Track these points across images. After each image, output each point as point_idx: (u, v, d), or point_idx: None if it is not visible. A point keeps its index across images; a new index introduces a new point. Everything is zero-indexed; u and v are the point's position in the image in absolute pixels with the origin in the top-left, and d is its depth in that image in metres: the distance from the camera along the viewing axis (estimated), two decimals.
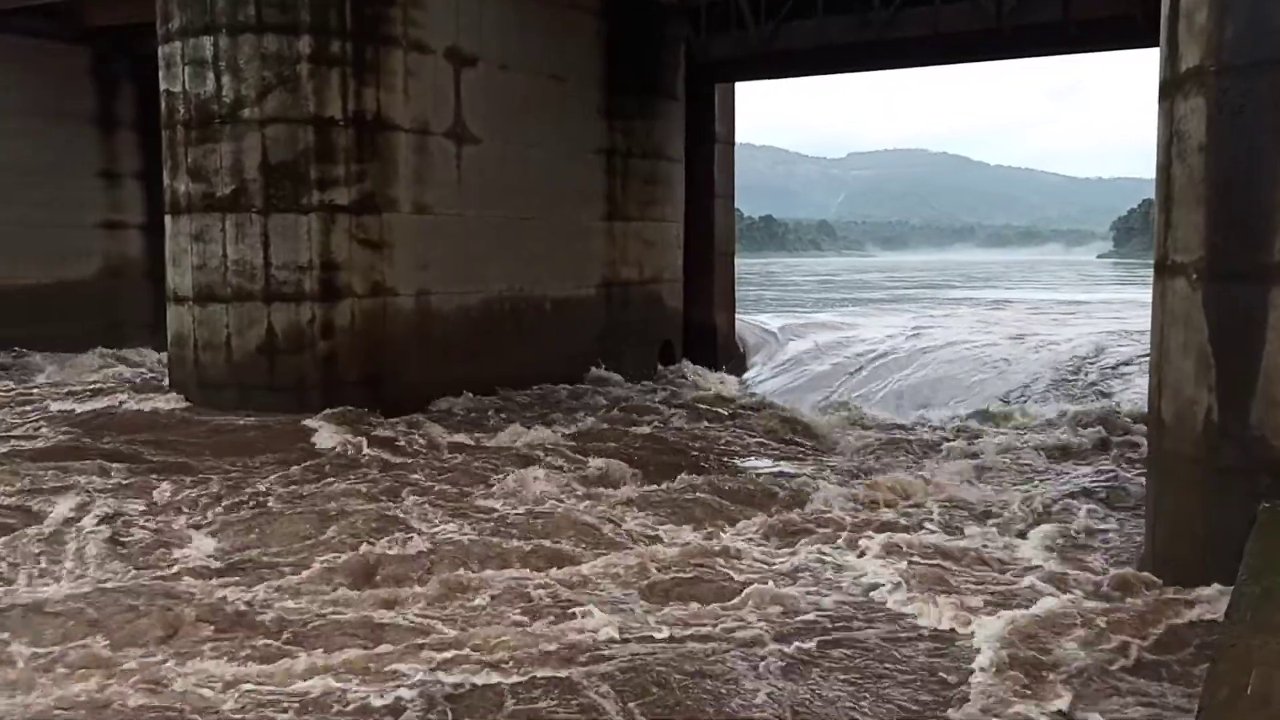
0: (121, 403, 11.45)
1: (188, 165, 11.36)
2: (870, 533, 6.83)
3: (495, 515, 7.24)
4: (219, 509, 7.41)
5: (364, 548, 6.34)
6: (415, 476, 8.44)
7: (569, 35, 13.70)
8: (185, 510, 7.37)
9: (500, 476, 8.35)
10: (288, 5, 10.97)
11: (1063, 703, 4.27)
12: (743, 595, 5.56)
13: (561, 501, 7.66)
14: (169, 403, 11.30)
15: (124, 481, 8.11)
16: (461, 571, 5.99)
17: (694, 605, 5.45)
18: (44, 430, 10.19)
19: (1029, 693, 4.36)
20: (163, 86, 11.56)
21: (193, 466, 8.70)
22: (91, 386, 12.95)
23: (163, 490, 7.81)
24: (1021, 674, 4.51)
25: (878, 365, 15.32)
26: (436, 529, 6.89)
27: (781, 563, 6.27)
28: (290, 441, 9.61)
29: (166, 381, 12.25)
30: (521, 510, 7.36)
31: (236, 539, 6.72)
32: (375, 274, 11.49)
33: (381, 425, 10.31)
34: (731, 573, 6.03)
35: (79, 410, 11.10)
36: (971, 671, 4.62)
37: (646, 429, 10.74)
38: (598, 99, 14.19)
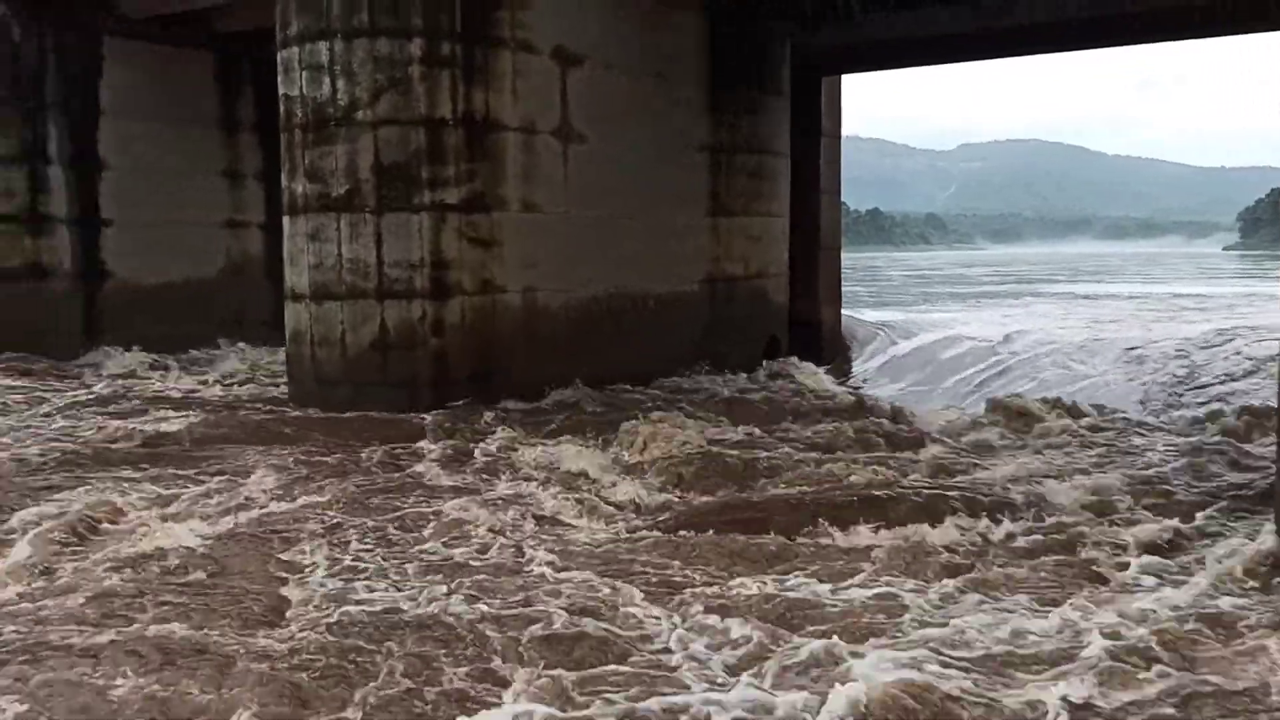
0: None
1: (305, 167, 11.71)
2: None
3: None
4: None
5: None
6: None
7: (672, 33, 13.74)
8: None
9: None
10: (400, 9, 11.23)
11: None
12: None
13: None
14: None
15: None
16: None
17: None
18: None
19: None
20: (281, 90, 11.93)
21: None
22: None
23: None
24: None
25: (1013, 362, 14.91)
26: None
27: None
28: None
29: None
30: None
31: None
32: (484, 271, 11.70)
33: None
34: None
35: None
36: None
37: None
38: (701, 96, 14.19)
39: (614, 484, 7.90)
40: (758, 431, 9.84)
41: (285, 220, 12.17)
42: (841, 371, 15.78)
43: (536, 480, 8.05)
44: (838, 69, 16.69)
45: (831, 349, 17.00)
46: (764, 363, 14.85)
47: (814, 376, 14.31)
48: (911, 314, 25.29)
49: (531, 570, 5.83)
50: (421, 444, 9.51)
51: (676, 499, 7.53)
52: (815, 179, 16.60)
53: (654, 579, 5.65)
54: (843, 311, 18.36)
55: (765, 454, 8.65)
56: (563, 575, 5.70)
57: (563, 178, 12.38)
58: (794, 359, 15.21)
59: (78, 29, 16.99)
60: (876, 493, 7.13)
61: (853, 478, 7.79)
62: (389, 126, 11.34)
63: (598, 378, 12.44)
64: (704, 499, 7.47)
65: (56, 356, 15.91)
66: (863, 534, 6.46)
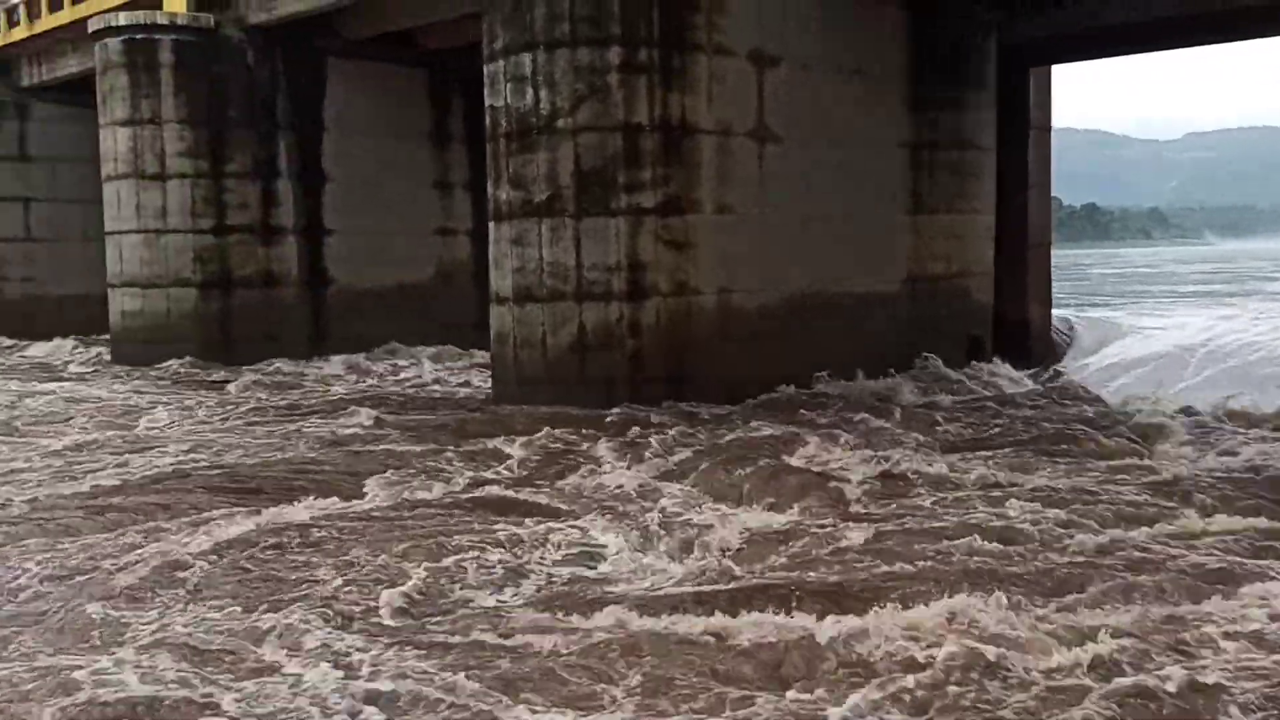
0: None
1: (509, 174, 12.16)
2: None
3: None
4: None
5: None
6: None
7: (871, 29, 13.51)
8: None
9: None
10: (599, 20, 11.52)
11: None
12: None
13: None
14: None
15: None
16: None
17: None
18: None
19: None
20: (487, 102, 12.44)
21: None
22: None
23: None
24: None
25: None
26: None
27: None
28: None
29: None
30: None
31: None
32: (680, 273, 11.83)
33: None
34: None
35: None
36: None
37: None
38: (901, 91, 13.89)
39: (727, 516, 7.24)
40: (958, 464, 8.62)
41: (491, 226, 12.67)
42: (1050, 374, 15.07)
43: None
44: (1047, 59, 15.99)
45: (1041, 350, 16.28)
46: (969, 363, 14.37)
47: (1017, 380, 13.71)
48: (1127, 313, 23.97)
49: None
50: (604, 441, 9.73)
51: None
52: (1023, 174, 15.94)
53: None
54: (1054, 311, 17.58)
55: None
56: None
57: (758, 179, 12.38)
58: (997, 360, 14.67)
59: (305, 53, 18.22)
60: None
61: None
62: (588, 133, 11.63)
63: (793, 378, 12.36)
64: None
65: (290, 356, 17.12)
66: None
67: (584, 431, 10.08)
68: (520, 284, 12.12)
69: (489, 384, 13.14)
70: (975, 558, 5.96)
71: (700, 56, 11.79)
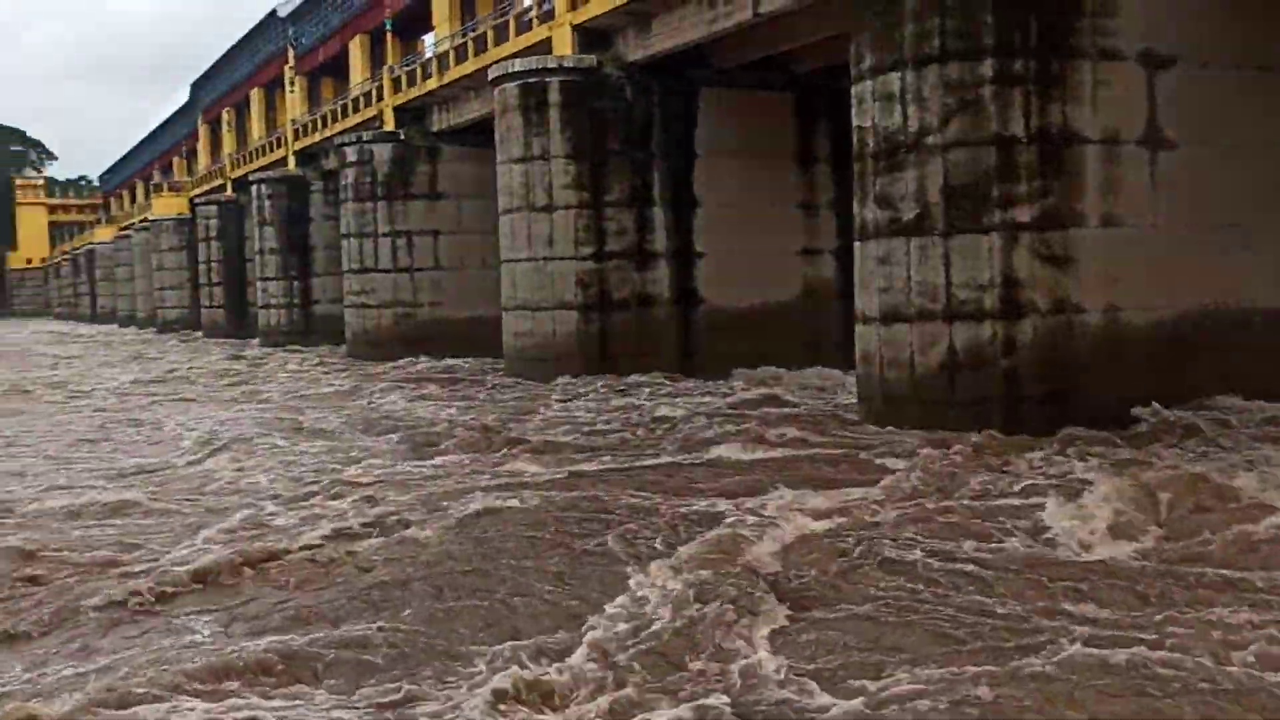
0: None
1: (875, 193, 12.11)
2: None
3: None
4: None
5: None
6: None
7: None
8: None
9: None
10: (970, 33, 11.22)
11: None
12: None
13: None
14: None
15: None
16: None
17: None
18: None
19: None
20: (854, 122, 12.46)
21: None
22: None
23: None
24: None
25: None
26: None
27: None
28: None
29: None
30: None
31: None
32: (1058, 290, 11.24)
33: None
34: None
35: None
36: None
37: None
38: None
39: None
40: None
41: (856, 246, 12.65)
42: None
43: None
44: None
45: None
46: None
47: None
48: None
49: None
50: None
51: None
52: None
53: None
54: None
55: None
56: None
57: (1149, 188, 11.50)
58: None
59: (678, 84, 19.11)
60: None
61: None
62: (958, 149, 11.35)
63: (1188, 400, 11.31)
64: None
65: (661, 373, 17.89)
66: None
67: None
68: (887, 303, 12.01)
69: (854, 403, 13.11)
70: None
71: (1083, 62, 11.17)
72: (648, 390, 16.60)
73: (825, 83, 18.93)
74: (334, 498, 9.13)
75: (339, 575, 6.85)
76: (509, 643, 5.37)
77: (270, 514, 8.56)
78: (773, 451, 10.94)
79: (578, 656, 5.14)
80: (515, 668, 4.96)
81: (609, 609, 5.84)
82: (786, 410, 13.95)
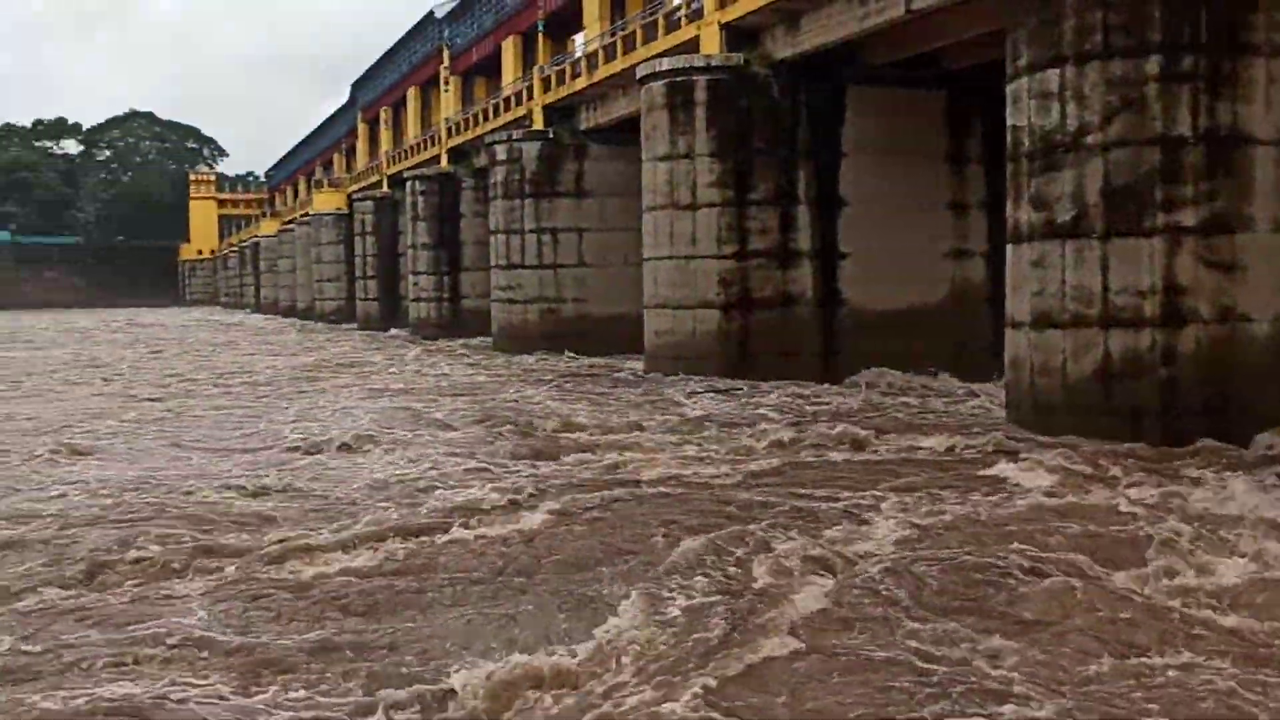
0: None
1: (1029, 194, 11.76)
2: None
3: None
4: None
5: None
6: None
7: None
8: None
9: None
10: (1136, 28, 10.80)
11: None
12: None
13: None
14: None
15: None
16: None
17: None
18: None
19: None
20: (1009, 121, 12.13)
21: None
22: None
23: None
24: None
25: None
26: None
27: None
28: None
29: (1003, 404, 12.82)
30: None
31: None
32: (1225, 298, 10.73)
33: None
34: None
35: None
36: None
37: None
38: None
39: None
40: None
41: (1008, 248, 12.32)
42: None
43: None
44: None
45: None
46: None
47: None
48: None
49: None
50: None
51: None
52: None
53: None
54: None
55: None
56: None
57: None
58: None
59: (825, 82, 18.89)
60: None
61: None
62: (1120, 149, 10.95)
63: None
64: None
65: (802, 375, 17.72)
66: None
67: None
68: (1039, 308, 11.66)
69: (1002, 409, 12.77)
70: None
71: (1256, 59, 10.63)
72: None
73: (978, 80, 18.42)
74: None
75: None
76: None
77: None
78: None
79: None
80: None
81: None
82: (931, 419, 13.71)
